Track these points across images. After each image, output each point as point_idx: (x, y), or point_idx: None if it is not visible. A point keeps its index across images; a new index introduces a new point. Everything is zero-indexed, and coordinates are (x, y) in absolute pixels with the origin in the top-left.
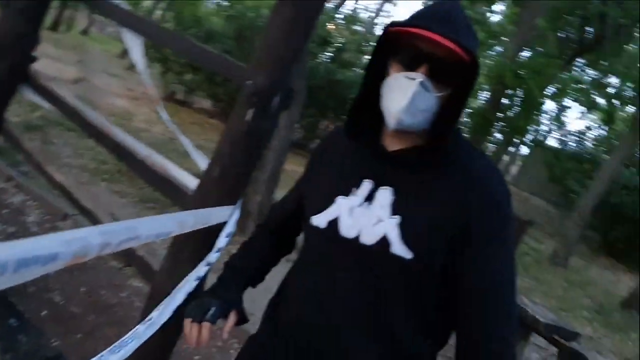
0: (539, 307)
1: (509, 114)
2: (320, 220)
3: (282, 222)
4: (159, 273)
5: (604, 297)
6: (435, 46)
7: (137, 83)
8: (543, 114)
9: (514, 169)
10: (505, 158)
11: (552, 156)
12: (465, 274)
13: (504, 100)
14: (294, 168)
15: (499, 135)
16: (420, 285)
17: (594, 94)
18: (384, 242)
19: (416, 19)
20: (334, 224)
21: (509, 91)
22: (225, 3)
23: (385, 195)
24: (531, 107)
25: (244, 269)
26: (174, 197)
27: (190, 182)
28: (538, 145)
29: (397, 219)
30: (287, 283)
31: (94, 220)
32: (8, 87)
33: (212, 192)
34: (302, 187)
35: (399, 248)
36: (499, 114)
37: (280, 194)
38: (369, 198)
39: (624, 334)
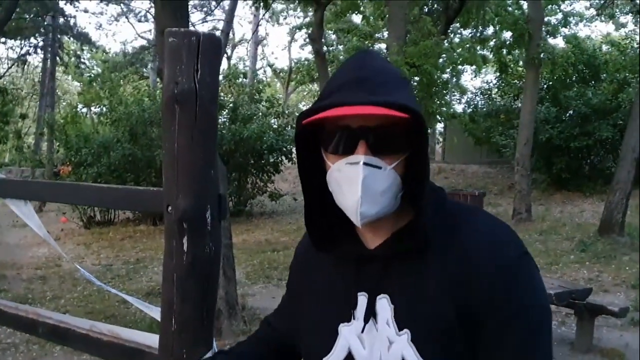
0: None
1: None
2: None
3: (278, 344)
4: None
5: (580, 232)
6: (364, 118)
7: (50, 221)
8: (446, 89)
9: (438, 149)
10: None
11: (468, 122)
12: None
13: None
14: (242, 238)
15: None
16: None
17: (478, 50)
18: None
19: (329, 97)
20: None
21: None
22: (105, 109)
23: (384, 306)
24: (434, 88)
25: None
26: None
27: (151, 340)
28: (451, 117)
29: (406, 334)
30: None
31: None
32: None
33: (178, 347)
34: (290, 312)
35: None
36: None
37: (240, 272)
38: (371, 314)
39: (615, 260)
